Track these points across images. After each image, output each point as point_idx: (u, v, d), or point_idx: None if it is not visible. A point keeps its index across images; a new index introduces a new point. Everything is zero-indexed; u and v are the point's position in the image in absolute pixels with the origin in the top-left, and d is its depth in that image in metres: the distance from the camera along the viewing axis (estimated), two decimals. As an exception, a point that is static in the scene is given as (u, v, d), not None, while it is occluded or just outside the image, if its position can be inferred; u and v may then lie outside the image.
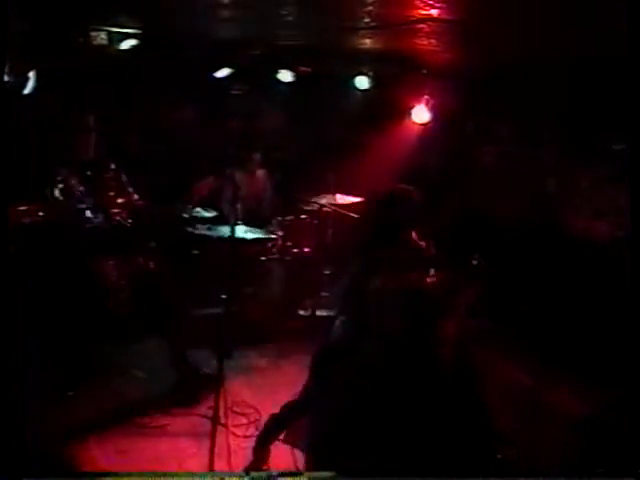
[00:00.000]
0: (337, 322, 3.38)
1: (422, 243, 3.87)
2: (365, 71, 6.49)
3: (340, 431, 2.43)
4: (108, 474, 3.41)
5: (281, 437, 3.63)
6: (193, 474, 3.65)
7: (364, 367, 2.51)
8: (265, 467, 3.44)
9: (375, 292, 3.26)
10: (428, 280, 2.96)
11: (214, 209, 5.95)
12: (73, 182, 4.69)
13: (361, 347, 2.57)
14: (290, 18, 4.32)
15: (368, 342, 2.57)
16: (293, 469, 3.18)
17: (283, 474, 2.87)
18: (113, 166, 4.99)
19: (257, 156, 6.62)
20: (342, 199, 6.20)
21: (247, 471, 3.40)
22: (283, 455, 3.41)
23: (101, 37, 5.44)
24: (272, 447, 3.50)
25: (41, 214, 4.64)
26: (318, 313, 5.96)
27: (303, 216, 6.40)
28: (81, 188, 4.71)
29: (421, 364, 2.55)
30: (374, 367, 2.49)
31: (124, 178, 5.02)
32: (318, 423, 2.54)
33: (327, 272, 6.28)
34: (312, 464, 2.87)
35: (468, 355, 4.12)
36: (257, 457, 3.51)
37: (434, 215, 4.47)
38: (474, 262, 3.81)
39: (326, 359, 2.77)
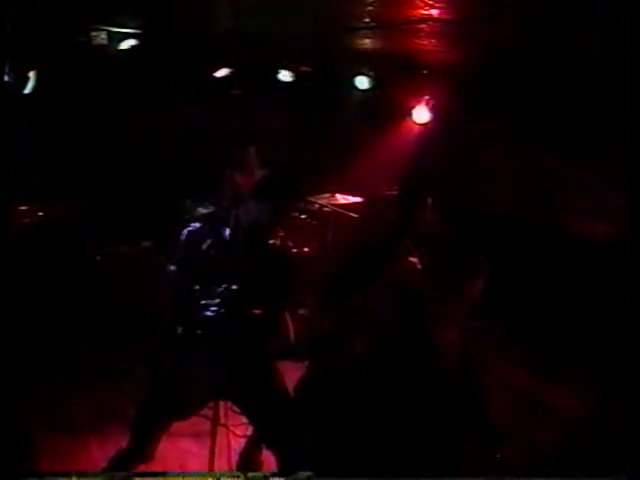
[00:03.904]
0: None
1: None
2: (365, 71, 6.49)
3: (338, 432, 2.43)
4: (107, 474, 3.41)
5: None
6: (193, 474, 3.65)
7: (358, 370, 2.51)
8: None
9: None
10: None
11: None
12: None
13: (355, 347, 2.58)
14: (290, 18, 4.32)
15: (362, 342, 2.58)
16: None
17: (280, 474, 2.86)
18: None
19: (256, 156, 6.59)
20: (342, 199, 6.20)
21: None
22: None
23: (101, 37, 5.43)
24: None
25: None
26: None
27: (303, 216, 6.40)
28: None
29: (422, 365, 2.55)
30: (368, 369, 2.50)
31: None
32: (317, 425, 2.54)
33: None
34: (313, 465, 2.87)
35: (471, 355, 4.13)
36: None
37: (435, 216, 4.48)
38: (476, 263, 3.80)
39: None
